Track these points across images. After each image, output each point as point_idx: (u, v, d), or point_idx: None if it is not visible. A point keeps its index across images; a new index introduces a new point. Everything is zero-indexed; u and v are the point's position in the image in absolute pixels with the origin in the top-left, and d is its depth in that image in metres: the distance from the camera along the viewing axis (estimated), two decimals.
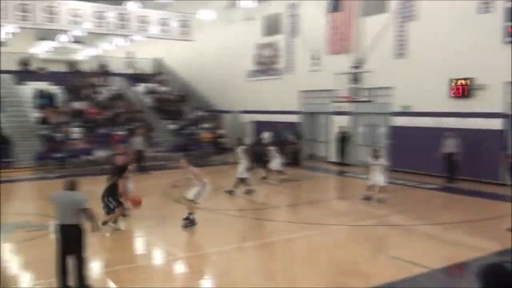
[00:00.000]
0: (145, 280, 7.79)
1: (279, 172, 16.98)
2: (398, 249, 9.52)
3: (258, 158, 17.14)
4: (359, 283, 7.70)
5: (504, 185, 15.84)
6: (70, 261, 6.95)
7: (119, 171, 11.13)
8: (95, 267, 8.09)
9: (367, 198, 13.81)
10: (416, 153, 18.38)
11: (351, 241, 10.21)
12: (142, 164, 20.18)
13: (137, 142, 20.11)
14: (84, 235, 7.04)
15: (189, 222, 10.78)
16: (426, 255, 9.01)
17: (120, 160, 12.31)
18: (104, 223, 10.14)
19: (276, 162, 16.94)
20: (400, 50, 19.25)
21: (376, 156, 13.86)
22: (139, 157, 20.07)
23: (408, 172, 18.24)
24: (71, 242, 6.93)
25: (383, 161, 13.91)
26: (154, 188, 17.10)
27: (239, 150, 15.32)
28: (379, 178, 13.61)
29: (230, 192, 14.60)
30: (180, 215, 11.61)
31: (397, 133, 19.54)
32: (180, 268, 8.76)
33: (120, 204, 10.64)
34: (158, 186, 16.74)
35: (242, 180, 14.82)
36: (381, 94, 19.88)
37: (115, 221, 10.71)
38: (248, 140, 27.78)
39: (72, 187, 7.25)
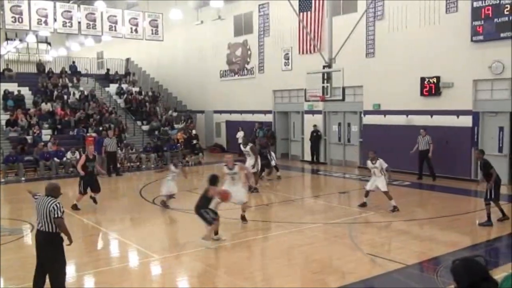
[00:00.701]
0: (122, 282, 7.71)
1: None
2: (373, 246, 9.65)
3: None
4: (335, 280, 7.77)
5: (476, 181, 16.24)
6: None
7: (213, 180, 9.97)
8: (70, 271, 7.96)
9: (363, 205, 12.88)
10: (387, 151, 18.64)
11: (327, 239, 10.31)
12: (115, 166, 19.94)
13: (109, 143, 19.86)
14: (59, 244, 6.67)
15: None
16: (401, 251, 9.17)
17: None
18: (207, 237, 9.44)
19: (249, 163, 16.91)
20: (370, 49, 19.53)
21: (374, 158, 12.65)
22: (111, 158, 19.84)
23: None
24: (44, 249, 6.65)
25: (382, 163, 12.52)
26: (128, 190, 16.95)
27: (248, 147, 15.71)
28: (379, 182, 12.50)
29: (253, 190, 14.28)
30: (155, 216, 11.52)
31: (368, 131, 19.81)
32: (156, 269, 8.70)
33: (216, 214, 9.73)
34: (132, 188, 16.58)
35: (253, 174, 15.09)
36: (352, 93, 20.13)
37: (216, 232, 9.92)
38: (223, 140, 27.80)
39: (52, 192, 6.81)
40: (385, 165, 12.46)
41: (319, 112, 22.03)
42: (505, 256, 8.95)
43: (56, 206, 6.55)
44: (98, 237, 11.11)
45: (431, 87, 17.45)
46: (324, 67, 17.63)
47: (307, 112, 22.63)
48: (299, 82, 20.27)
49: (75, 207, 12.91)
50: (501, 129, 16.10)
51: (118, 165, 20.31)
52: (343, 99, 16.75)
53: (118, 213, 13.22)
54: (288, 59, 23.27)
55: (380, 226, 11.36)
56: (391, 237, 10.49)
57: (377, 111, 19.49)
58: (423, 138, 16.99)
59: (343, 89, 16.38)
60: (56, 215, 6.50)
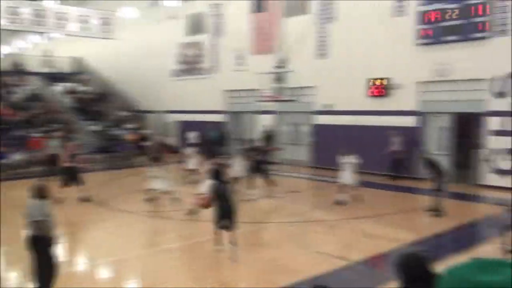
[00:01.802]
0: None
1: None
2: (321, 244, 9.83)
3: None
4: (285, 279, 7.87)
5: (421, 179, 16.81)
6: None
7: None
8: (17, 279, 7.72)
9: (339, 203, 12.98)
10: (337, 151, 19.01)
11: (277, 239, 10.41)
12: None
13: (54, 144, 19.11)
14: (42, 248, 6.56)
15: None
16: (348, 248, 9.38)
17: None
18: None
19: (192, 162, 16.80)
20: (322, 50, 19.86)
21: (344, 154, 13.10)
22: (54, 160, 19.12)
23: (331, 169, 18.80)
24: (31, 253, 6.58)
25: (352, 159, 13.03)
26: (76, 193, 16.51)
27: (243, 149, 15.60)
28: (349, 177, 12.87)
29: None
30: (103, 219, 11.28)
31: (319, 131, 20.13)
32: (104, 273, 8.54)
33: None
34: (80, 190, 16.17)
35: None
36: (304, 93, 20.42)
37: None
38: (174, 141, 27.50)
39: (38, 194, 6.61)
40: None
41: (271, 112, 22.20)
42: (447, 250, 9.33)
43: (38, 208, 6.62)
44: None
45: (379, 88, 17.95)
46: (276, 67, 17.84)
47: (260, 112, 22.76)
48: (252, 83, 20.37)
49: None
50: (443, 129, 16.74)
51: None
52: (295, 100, 17.00)
53: (66, 216, 12.87)
54: (241, 59, 23.33)
55: (329, 224, 11.57)
56: (339, 234, 10.71)
57: (328, 111, 19.84)
58: (393, 138, 17.01)
59: (295, 89, 16.62)
60: (35, 218, 6.54)
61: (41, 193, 6.64)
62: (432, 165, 11.98)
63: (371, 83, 18.11)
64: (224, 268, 8.52)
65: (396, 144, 17.07)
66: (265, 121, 22.39)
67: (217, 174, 8.98)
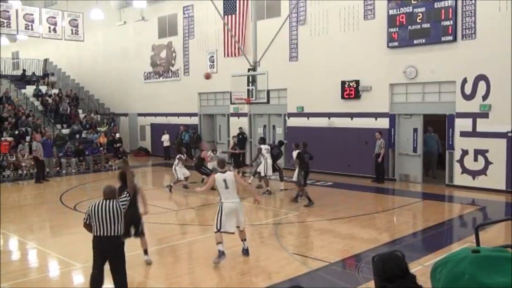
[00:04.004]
0: None
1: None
2: (297, 246, 9.89)
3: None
4: (262, 281, 7.89)
5: (391, 179, 17.11)
6: None
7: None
8: None
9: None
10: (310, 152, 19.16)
11: (253, 240, 10.42)
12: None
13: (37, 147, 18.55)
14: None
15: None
16: (324, 249, 9.45)
17: None
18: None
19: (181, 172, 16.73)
20: (294, 53, 19.99)
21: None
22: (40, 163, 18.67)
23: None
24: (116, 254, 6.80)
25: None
26: (48, 196, 16.25)
27: (263, 148, 15.45)
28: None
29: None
30: (76, 223, 11.07)
31: (292, 133, 20.23)
32: (78, 278, 8.40)
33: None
34: (52, 194, 15.91)
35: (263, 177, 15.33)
36: (277, 95, 20.51)
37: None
38: (146, 143, 27.25)
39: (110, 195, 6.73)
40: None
41: (244, 114, 22.23)
42: (420, 250, 9.49)
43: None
44: (14, 247, 10.56)
45: (351, 91, 18.14)
46: (249, 70, 17.82)
47: (233, 114, 22.77)
48: (225, 85, 20.33)
49: None
50: (415, 130, 17.04)
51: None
52: (268, 102, 17.04)
53: (37, 221, 12.64)
54: (213, 61, 23.29)
55: (304, 226, 11.65)
56: (315, 236, 10.79)
57: (300, 114, 19.98)
58: (377, 141, 16.94)
59: (268, 92, 16.64)
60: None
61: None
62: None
63: (343, 86, 18.28)
64: (200, 270, 8.48)
65: (377, 147, 16.87)
66: (239, 124, 22.36)
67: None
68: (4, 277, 8.15)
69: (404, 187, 16.60)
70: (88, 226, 6.70)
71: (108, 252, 6.65)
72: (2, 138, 21.62)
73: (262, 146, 15.81)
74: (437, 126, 17.22)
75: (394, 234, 10.79)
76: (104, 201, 6.62)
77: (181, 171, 16.13)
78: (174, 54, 25.56)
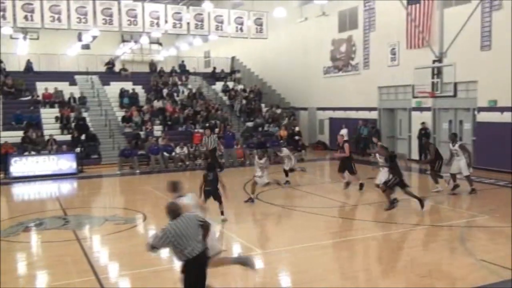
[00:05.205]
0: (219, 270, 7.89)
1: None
2: (485, 252, 9.03)
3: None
4: (444, 286, 7.38)
5: None
6: None
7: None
8: None
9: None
10: (504, 151, 17.40)
11: (435, 242, 9.83)
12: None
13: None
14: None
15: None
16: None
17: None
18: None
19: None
20: (486, 41, 18.25)
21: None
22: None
23: (493, 170, 17.32)
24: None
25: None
26: (231, 185, 17.36)
27: (457, 146, 14.18)
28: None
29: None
30: (259, 211, 11.54)
31: (483, 129, 18.56)
32: (257, 263, 8.80)
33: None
34: (235, 183, 16.92)
35: (467, 178, 14.11)
36: (465, 88, 19.00)
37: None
38: (326, 137, 27.54)
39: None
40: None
41: (427, 109, 21.07)
42: None
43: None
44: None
45: None
46: (434, 61, 16.84)
47: (415, 109, 21.75)
48: (406, 78, 19.54)
49: None
50: None
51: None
52: (455, 95, 15.95)
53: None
54: (394, 54, 22.50)
55: (494, 231, 10.59)
56: (506, 243, 9.73)
57: (493, 108, 18.22)
58: None
59: (455, 84, 15.58)
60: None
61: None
62: None
63: None
64: (377, 267, 8.26)
65: None
66: (422, 118, 21.27)
67: None
68: None
69: None
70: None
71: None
72: (195, 130, 23.83)
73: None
74: None
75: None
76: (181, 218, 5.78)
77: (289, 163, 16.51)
78: (354, 48, 25.32)
